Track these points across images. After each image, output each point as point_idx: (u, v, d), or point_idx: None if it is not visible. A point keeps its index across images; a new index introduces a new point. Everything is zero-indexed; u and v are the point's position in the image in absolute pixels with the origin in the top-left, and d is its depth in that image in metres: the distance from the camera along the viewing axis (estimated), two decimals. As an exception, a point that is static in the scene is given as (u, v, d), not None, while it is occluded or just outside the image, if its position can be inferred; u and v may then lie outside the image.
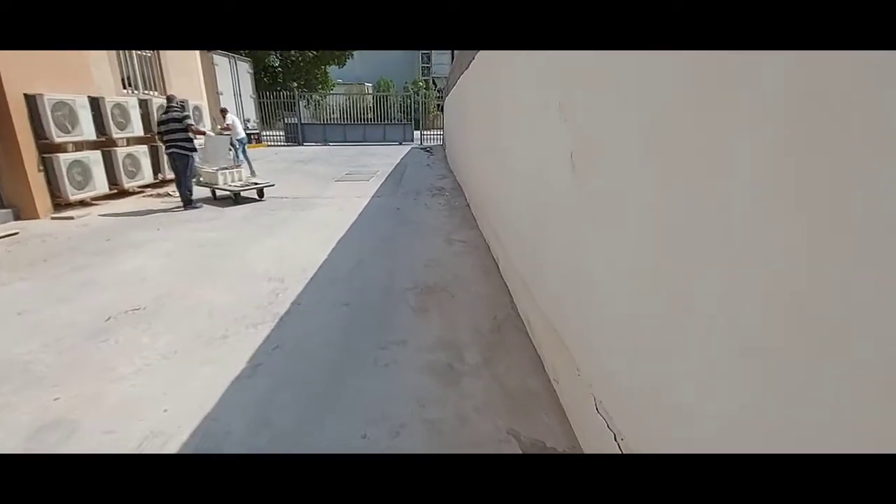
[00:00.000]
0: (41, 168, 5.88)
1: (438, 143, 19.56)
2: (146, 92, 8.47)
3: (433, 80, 47.51)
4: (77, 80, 6.46)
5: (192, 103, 9.18)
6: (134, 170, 7.42)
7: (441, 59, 49.23)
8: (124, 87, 7.94)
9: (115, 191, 7.00)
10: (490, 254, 4.23)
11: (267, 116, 19.21)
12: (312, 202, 6.84)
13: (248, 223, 5.51)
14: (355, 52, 49.29)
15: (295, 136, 19.75)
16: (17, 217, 5.75)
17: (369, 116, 20.22)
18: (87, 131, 6.41)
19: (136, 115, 7.45)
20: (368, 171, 10.31)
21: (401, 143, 19.41)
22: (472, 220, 5.58)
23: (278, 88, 19.62)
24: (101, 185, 6.64)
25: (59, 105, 5.94)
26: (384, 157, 13.54)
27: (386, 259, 4.10)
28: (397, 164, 11.79)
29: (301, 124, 19.69)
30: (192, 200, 6.44)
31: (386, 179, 9.14)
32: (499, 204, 3.88)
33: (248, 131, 12.84)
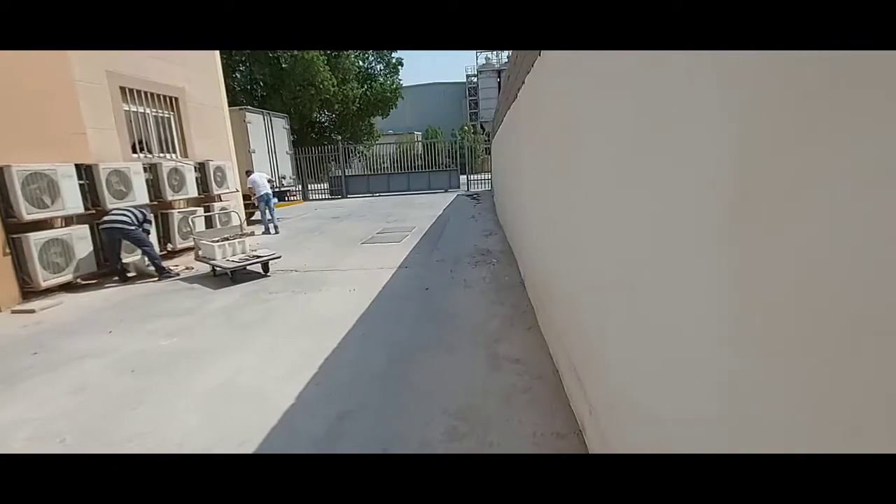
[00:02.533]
0: (7, 251, 4.97)
1: (487, 188, 18.24)
2: (161, 155, 7.76)
3: (481, 125, 47.44)
4: (68, 147, 5.68)
5: (214, 164, 8.41)
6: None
7: (488, 104, 49.26)
8: (135, 152, 7.23)
9: (108, 269, 6.03)
10: (563, 395, 2.49)
11: (314, 171, 18.99)
12: (323, 277, 5.46)
13: (225, 320, 4.15)
14: (405, 104, 50.70)
15: (339, 189, 19.28)
16: (-25, 310, 4.80)
17: (419, 164, 19.58)
18: (72, 204, 5.53)
19: (139, 181, 6.60)
20: (403, 228, 8.97)
21: (446, 191, 18.28)
22: (530, 311, 3.87)
23: (325, 143, 19.49)
24: (87, 264, 5.67)
25: (35, 177, 5.08)
26: (426, 209, 12.27)
27: (387, 409, 2.47)
28: (438, 217, 10.42)
29: (345, 177, 19.25)
30: (125, 274, 5.95)
31: (421, 239, 7.69)
32: (576, 308, 2.18)
33: (283, 188, 12.15)
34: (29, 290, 5.10)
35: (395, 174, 19.48)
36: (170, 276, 5.86)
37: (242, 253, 5.90)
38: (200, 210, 7.92)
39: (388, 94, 20.10)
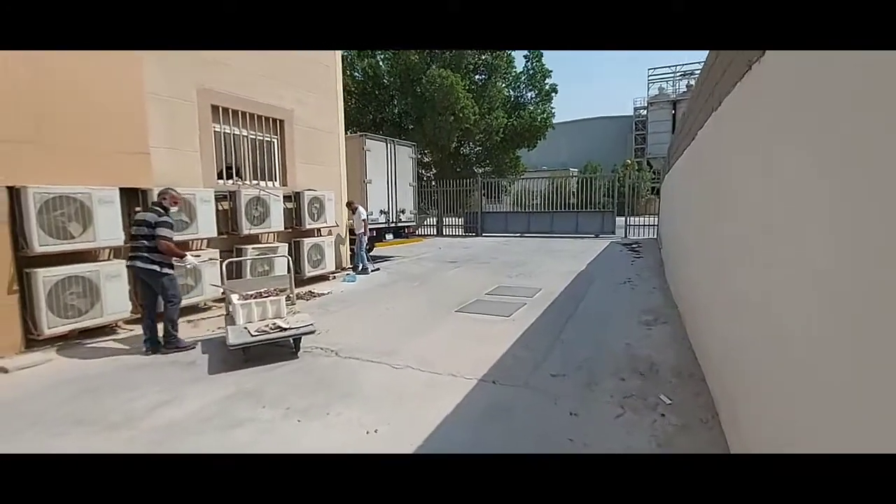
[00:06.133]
0: (15, 289, 4.12)
1: (651, 235, 14.52)
2: (255, 182, 6.87)
3: (647, 162, 42.11)
4: (121, 167, 4.85)
5: (310, 194, 7.30)
6: (191, 283, 5.44)
7: (658, 139, 43.67)
8: (222, 178, 6.41)
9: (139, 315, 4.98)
10: None
11: (453, 205, 17.90)
12: (360, 377, 3.38)
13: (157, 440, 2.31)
14: (562, 139, 48.20)
15: (474, 226, 17.73)
16: (-29, 357, 3.99)
17: (572, 202, 16.89)
18: (108, 235, 4.59)
19: (206, 210, 5.61)
20: (525, 290, 6.49)
21: (597, 236, 15.12)
22: None
23: (468, 176, 18.28)
24: (116, 307, 4.66)
25: (60, 201, 4.21)
26: (566, 260, 9.55)
27: None
28: (578, 275, 7.64)
29: (481, 213, 17.60)
30: (157, 343, 4.09)
31: (542, 315, 5.12)
32: None
33: (401, 223, 10.85)
34: (32, 338, 4.18)
35: (536, 213, 17.08)
36: (178, 348, 4.14)
37: (276, 317, 4.23)
38: (283, 248, 6.76)
39: (537, 124, 18.00)
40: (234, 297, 4.28)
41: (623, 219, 15.28)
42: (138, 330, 4.38)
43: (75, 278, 4.35)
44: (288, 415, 2.85)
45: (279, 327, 3.89)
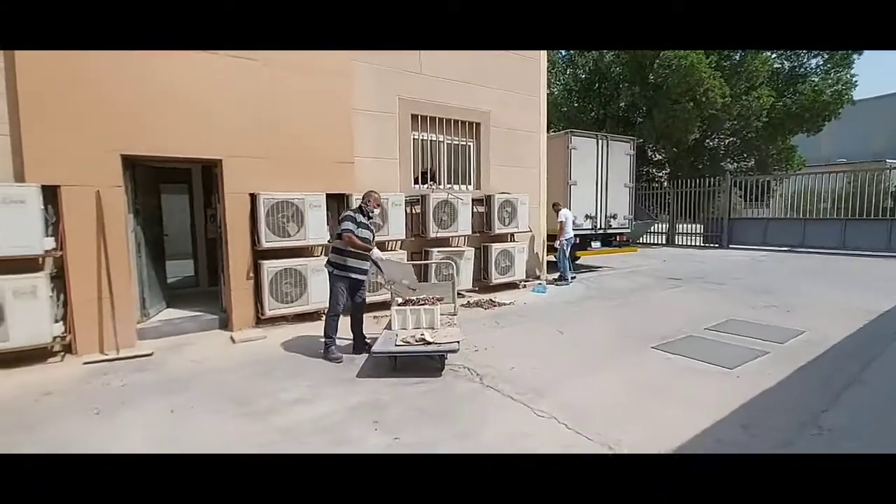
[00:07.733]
0: (251, 276, 5.10)
1: None
2: (449, 186, 6.99)
3: None
4: (329, 176, 5.51)
5: (501, 198, 6.98)
6: (381, 281, 5.83)
7: None
8: (418, 183, 6.72)
9: (339, 306, 5.56)
10: None
11: (692, 209, 14.99)
12: (492, 415, 2.78)
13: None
14: (877, 122, 34.97)
15: (717, 236, 14.36)
16: (224, 325, 5.15)
17: (888, 206, 11.57)
18: (315, 234, 5.27)
19: (397, 213, 5.92)
20: (768, 332, 4.56)
21: (932, 257, 10.03)
22: None
23: (716, 174, 14.98)
24: (321, 297, 5.28)
25: (281, 206, 5.02)
26: (857, 290, 6.51)
27: None
28: (877, 319, 5.00)
29: (729, 219, 14.09)
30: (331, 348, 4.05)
31: (792, 376, 3.38)
32: None
33: (612, 229, 9.51)
34: (259, 317, 5.12)
35: (816, 220, 12.56)
36: (328, 358, 3.98)
37: (428, 327, 4.00)
38: (470, 252, 6.63)
39: (825, 99, 13.12)
40: (398, 301, 4.27)
41: None
42: (314, 327, 4.85)
43: (290, 270, 5.12)
44: (391, 447, 2.50)
45: (424, 340, 3.62)
